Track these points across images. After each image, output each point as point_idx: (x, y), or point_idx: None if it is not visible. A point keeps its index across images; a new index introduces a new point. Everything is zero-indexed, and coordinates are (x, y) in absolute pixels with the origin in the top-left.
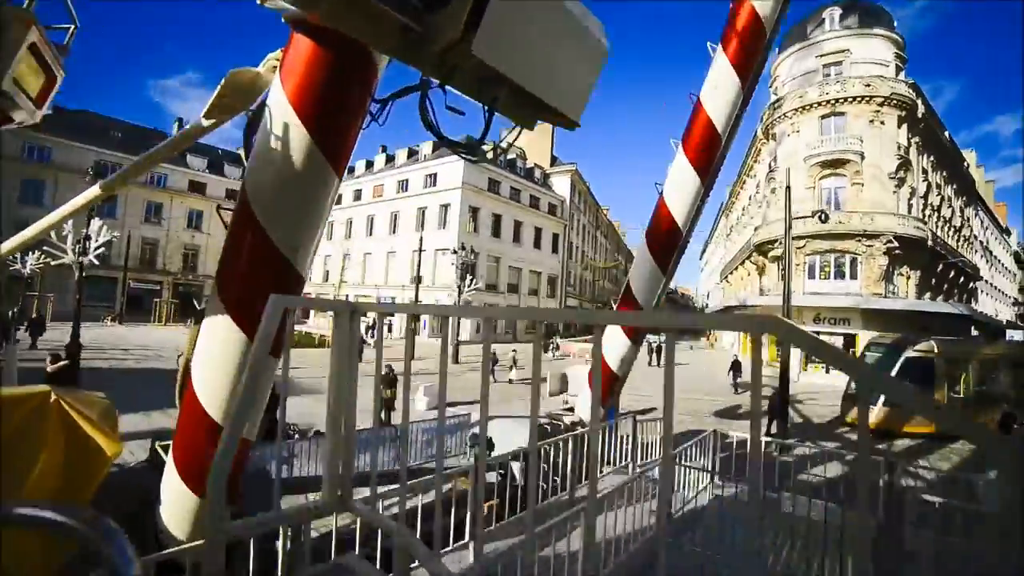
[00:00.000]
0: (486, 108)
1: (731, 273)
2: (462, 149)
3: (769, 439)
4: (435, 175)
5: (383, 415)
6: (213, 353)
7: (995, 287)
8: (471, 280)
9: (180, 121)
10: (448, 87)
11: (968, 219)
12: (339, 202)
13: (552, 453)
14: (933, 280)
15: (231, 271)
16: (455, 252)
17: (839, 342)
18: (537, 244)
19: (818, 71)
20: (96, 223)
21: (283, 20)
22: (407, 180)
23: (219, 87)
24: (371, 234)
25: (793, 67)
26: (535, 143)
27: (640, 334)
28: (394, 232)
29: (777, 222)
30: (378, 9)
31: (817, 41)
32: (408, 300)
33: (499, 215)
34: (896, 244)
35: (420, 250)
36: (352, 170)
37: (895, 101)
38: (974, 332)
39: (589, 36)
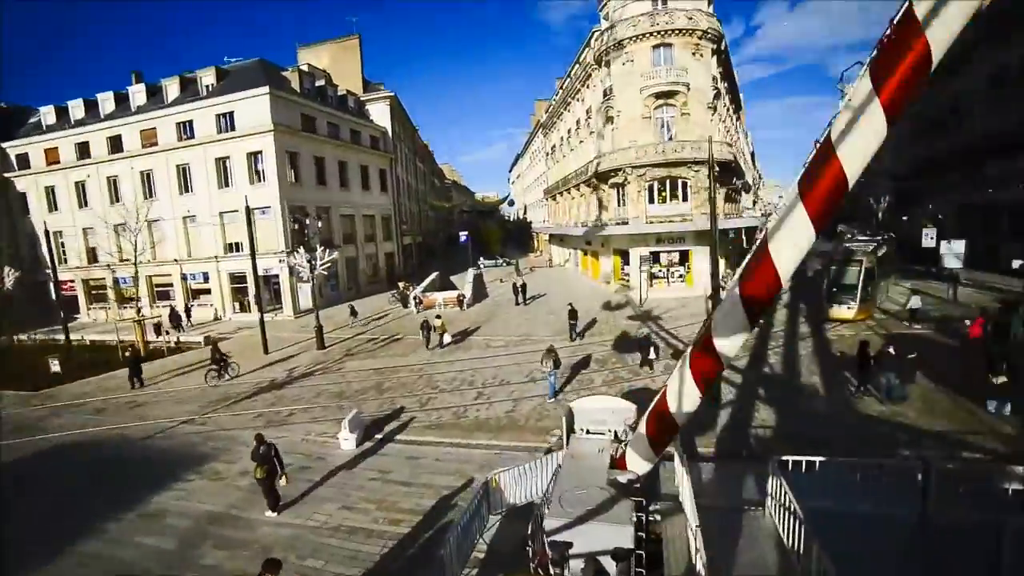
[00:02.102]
0: None
1: (560, 193)
2: None
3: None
4: (231, 114)
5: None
6: None
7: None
8: (323, 251)
9: None
10: None
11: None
12: (87, 152)
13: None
14: (728, 196)
15: None
16: (294, 215)
17: (676, 257)
18: (366, 185)
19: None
20: None
21: None
22: (190, 122)
23: None
24: (151, 195)
25: None
26: (341, 64)
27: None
28: (187, 191)
29: (619, 152)
30: None
31: None
32: (226, 273)
33: (321, 158)
34: (718, 169)
35: (249, 210)
36: (92, 106)
37: (711, 35)
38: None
39: None
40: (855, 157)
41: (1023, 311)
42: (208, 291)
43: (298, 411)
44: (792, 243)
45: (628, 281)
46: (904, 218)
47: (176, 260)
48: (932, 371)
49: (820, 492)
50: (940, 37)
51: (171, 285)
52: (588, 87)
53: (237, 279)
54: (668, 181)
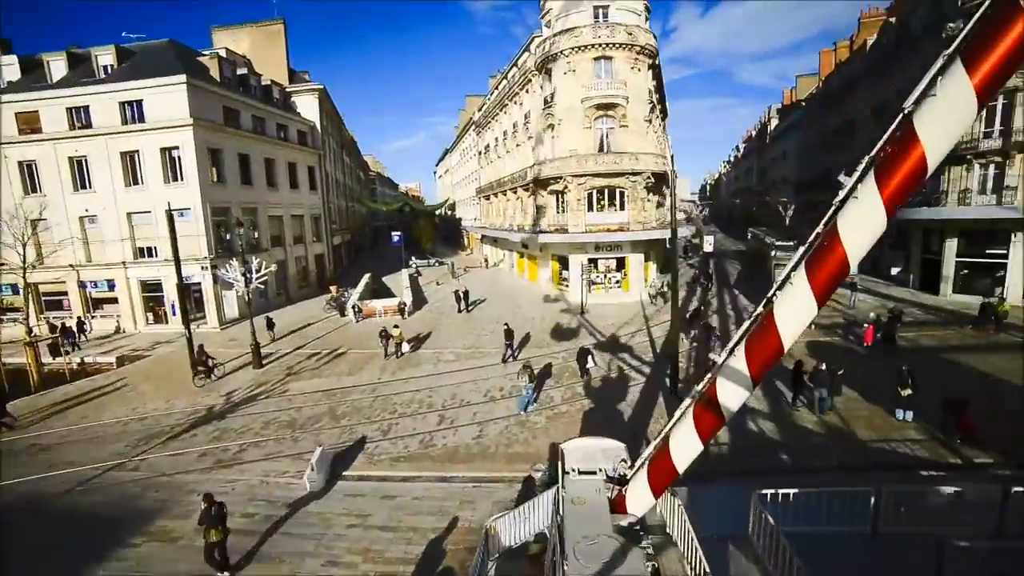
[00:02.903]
0: None
1: (495, 194)
2: None
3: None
4: (139, 103)
5: None
6: None
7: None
8: (259, 262)
9: None
10: None
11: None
12: None
13: None
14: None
15: None
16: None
17: (614, 264)
18: (294, 183)
19: (589, 10)
20: None
21: None
22: (86, 108)
23: None
24: (36, 190)
25: (566, 3)
26: (263, 51)
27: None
28: (85, 187)
29: (560, 160)
30: None
31: None
32: (136, 280)
33: (246, 155)
34: (652, 179)
35: (172, 213)
36: None
37: (648, 50)
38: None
39: None
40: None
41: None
42: (114, 300)
43: (248, 446)
44: (796, 316)
45: (567, 286)
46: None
47: (72, 266)
48: (852, 382)
49: (790, 517)
50: None
51: (64, 294)
52: (527, 92)
53: (150, 287)
54: (606, 190)
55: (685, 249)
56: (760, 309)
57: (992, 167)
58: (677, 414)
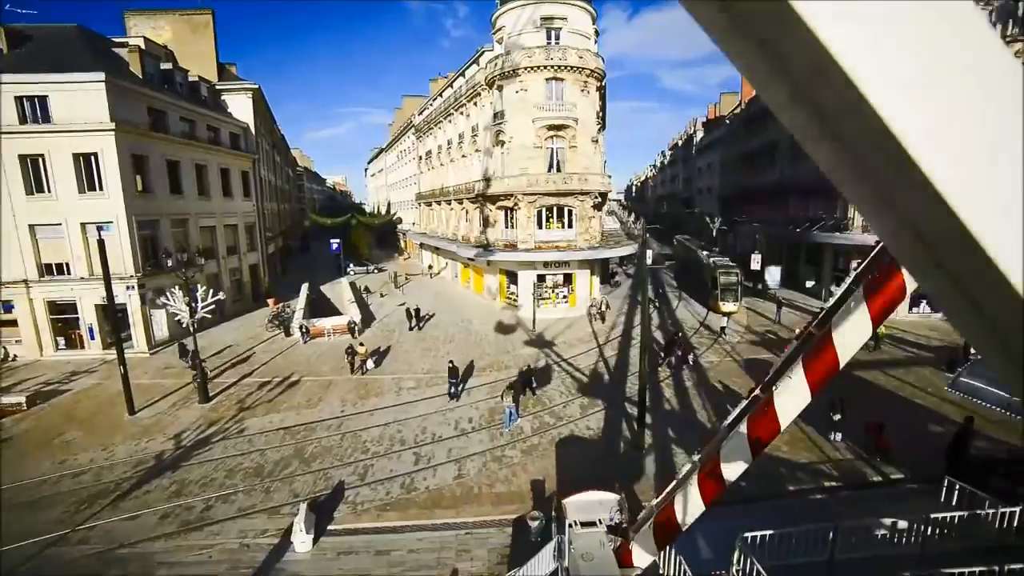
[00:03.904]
0: None
1: (437, 202)
2: None
3: None
4: (43, 100)
5: None
6: None
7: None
8: (206, 291)
9: None
10: None
11: None
12: None
13: None
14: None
15: None
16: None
17: (561, 279)
18: (227, 190)
19: (542, 32)
20: None
21: None
22: None
23: None
24: None
25: (519, 23)
26: (188, 44)
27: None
28: None
29: (511, 178)
30: None
31: (539, 1)
32: (42, 301)
33: (176, 161)
34: (600, 199)
35: (99, 227)
36: None
37: (597, 73)
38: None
39: None
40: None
41: None
42: (11, 324)
43: (215, 501)
44: (793, 404)
45: (516, 300)
46: (729, 237)
47: None
48: None
49: (765, 552)
50: None
51: None
52: (476, 105)
53: (60, 309)
54: (555, 208)
55: (621, 259)
56: (758, 393)
57: None
58: (680, 477)
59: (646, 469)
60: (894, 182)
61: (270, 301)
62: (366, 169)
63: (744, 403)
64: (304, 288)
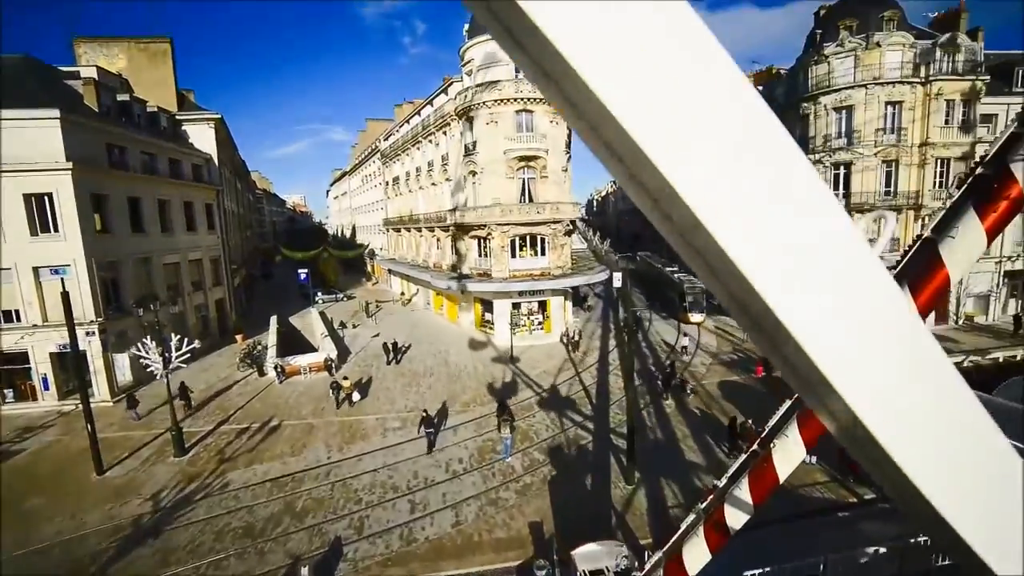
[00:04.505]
0: None
1: (407, 228)
2: None
3: None
4: None
5: None
6: None
7: None
8: (180, 340)
9: None
10: None
11: None
12: None
13: None
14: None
15: None
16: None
17: (536, 306)
18: (191, 225)
19: (510, 65)
20: None
21: None
22: None
23: None
24: None
25: (487, 57)
26: (145, 72)
27: None
28: None
29: (484, 209)
30: None
31: None
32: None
33: (137, 198)
34: (571, 226)
35: (54, 270)
36: None
37: None
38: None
39: None
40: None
41: None
42: None
43: (207, 569)
44: (789, 460)
45: (492, 329)
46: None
47: None
48: None
49: None
50: None
51: None
52: (445, 134)
53: (9, 359)
54: (528, 237)
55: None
56: (757, 448)
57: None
58: (684, 527)
59: (639, 506)
60: (670, 207)
61: (239, 337)
62: (328, 191)
63: (743, 458)
64: (273, 321)
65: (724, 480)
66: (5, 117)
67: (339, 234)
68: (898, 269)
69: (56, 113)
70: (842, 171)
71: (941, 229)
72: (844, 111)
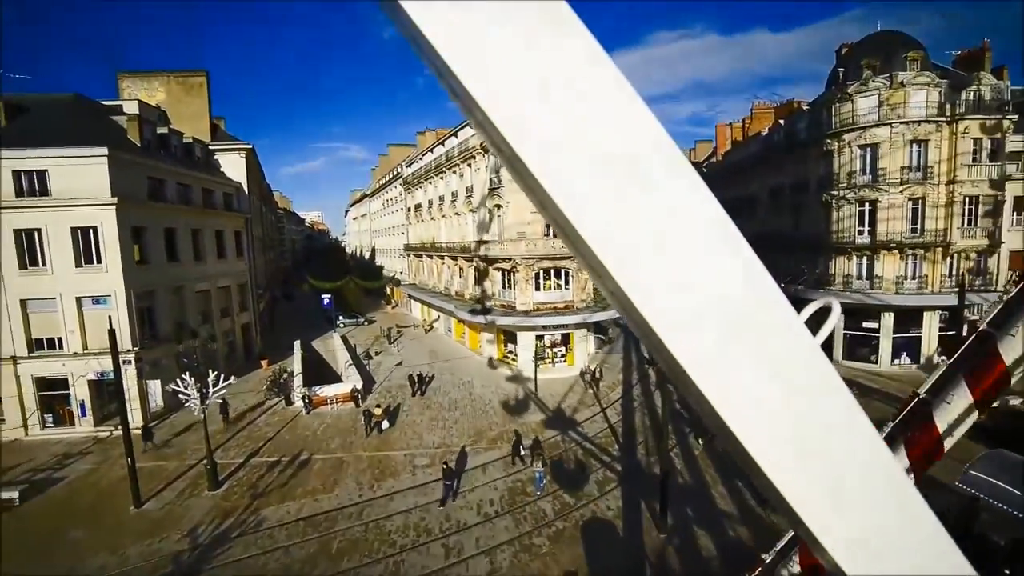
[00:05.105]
0: None
1: (429, 255)
2: None
3: None
4: (42, 174)
5: None
6: None
7: None
8: (216, 375)
9: None
10: None
11: None
12: None
13: None
14: None
15: None
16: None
17: (559, 338)
18: (221, 252)
19: None
20: None
21: None
22: None
23: None
24: None
25: None
26: (182, 104)
27: None
28: None
29: (510, 243)
30: None
31: None
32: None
33: (172, 229)
34: None
35: (95, 300)
36: None
37: None
38: None
39: None
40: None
41: None
42: None
43: None
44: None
45: (514, 359)
46: None
47: None
48: None
49: None
50: None
51: None
52: (470, 167)
53: (50, 385)
54: (552, 270)
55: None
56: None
57: (865, 258)
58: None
59: (673, 558)
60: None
61: (264, 362)
62: (347, 211)
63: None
64: (297, 347)
65: (772, 555)
66: (60, 155)
67: (357, 254)
68: (953, 359)
69: (104, 151)
70: (867, 208)
71: (999, 324)
72: (869, 148)
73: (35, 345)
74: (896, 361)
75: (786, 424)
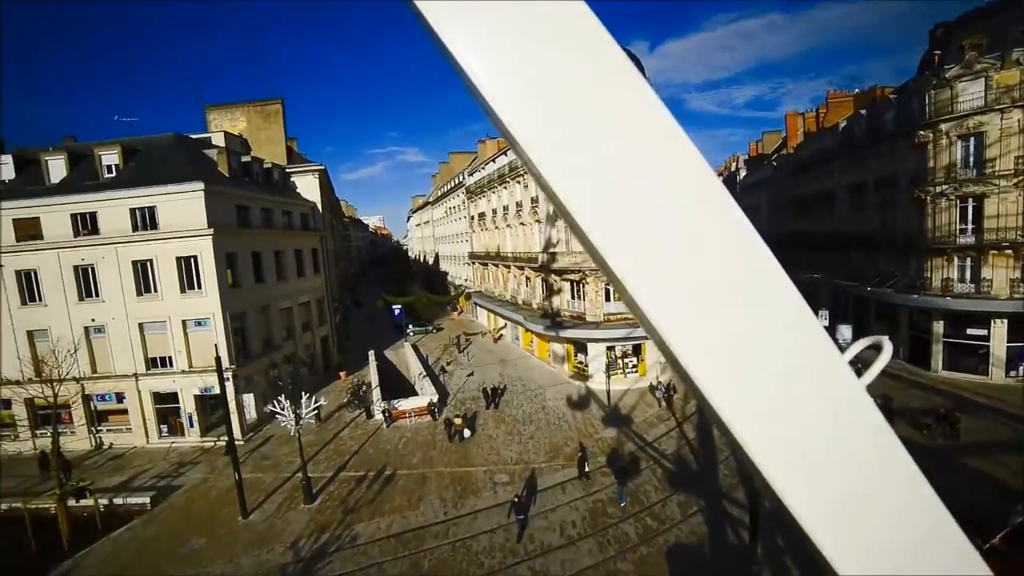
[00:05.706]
0: None
1: (495, 264)
2: None
3: None
4: (151, 210)
5: None
6: None
7: None
8: (308, 397)
9: None
10: None
11: None
12: None
13: None
14: None
15: None
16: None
17: (630, 348)
18: (300, 270)
19: None
20: None
21: None
22: (92, 214)
23: None
24: (36, 299)
25: None
26: (261, 131)
27: None
28: (90, 296)
29: (580, 254)
30: None
31: None
32: (148, 392)
33: (258, 252)
34: None
35: (197, 322)
36: None
37: None
38: None
39: None
40: None
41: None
42: (122, 412)
43: None
44: None
45: (584, 369)
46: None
47: (76, 379)
48: None
49: None
50: None
51: (68, 406)
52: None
53: (163, 399)
54: None
55: None
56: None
57: (969, 260)
58: None
59: None
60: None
61: (342, 374)
62: (408, 217)
63: None
64: (372, 357)
65: None
66: (166, 192)
67: (420, 259)
68: None
69: (201, 186)
70: (971, 204)
71: None
72: (973, 138)
73: (151, 363)
74: (1012, 373)
75: (812, 449)
